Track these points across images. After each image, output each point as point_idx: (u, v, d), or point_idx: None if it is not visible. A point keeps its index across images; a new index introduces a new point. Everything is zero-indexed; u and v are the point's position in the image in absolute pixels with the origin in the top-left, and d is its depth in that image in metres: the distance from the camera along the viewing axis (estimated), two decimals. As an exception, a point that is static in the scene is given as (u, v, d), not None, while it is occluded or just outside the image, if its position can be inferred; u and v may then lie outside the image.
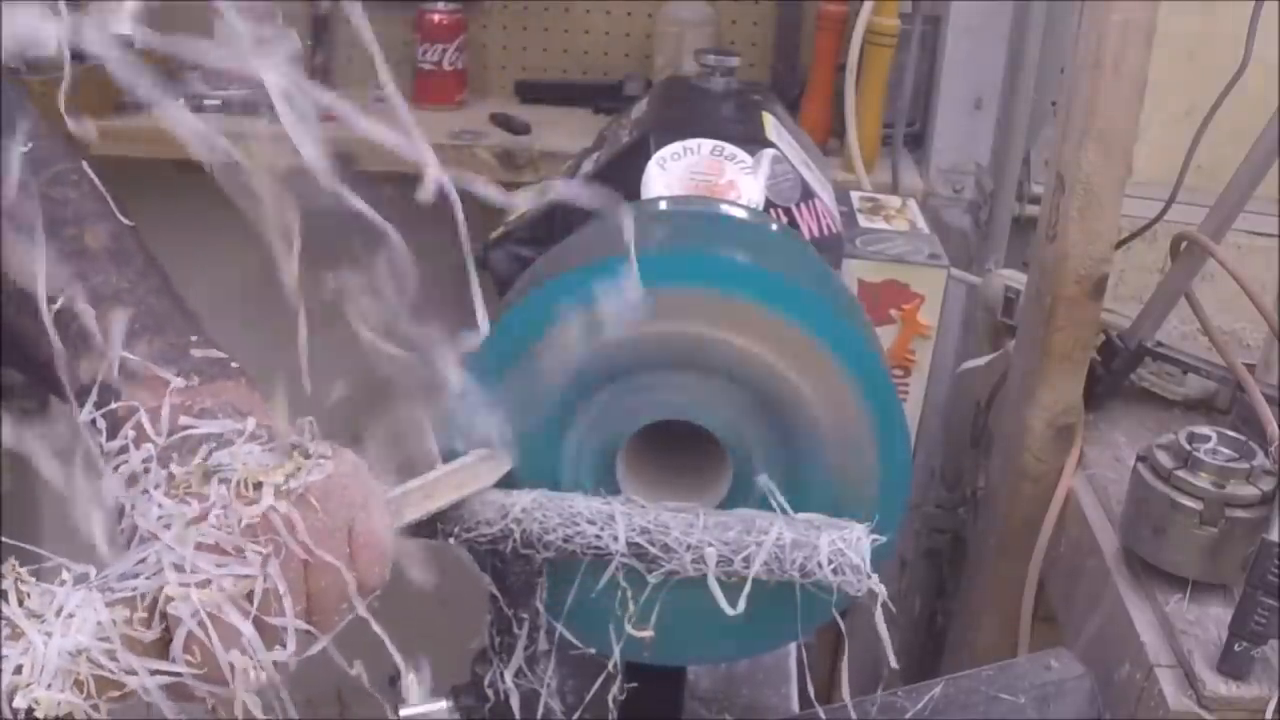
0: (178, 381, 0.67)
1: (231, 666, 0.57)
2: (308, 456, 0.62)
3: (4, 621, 0.54)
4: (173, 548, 0.57)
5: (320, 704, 1.81)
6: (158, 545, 0.58)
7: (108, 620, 0.55)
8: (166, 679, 0.56)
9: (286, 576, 0.59)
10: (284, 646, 0.59)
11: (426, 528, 0.70)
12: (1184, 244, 1.04)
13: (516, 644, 0.75)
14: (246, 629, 0.57)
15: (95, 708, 0.54)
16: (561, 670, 0.78)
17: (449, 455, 0.73)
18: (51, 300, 0.69)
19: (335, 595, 0.61)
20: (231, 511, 0.59)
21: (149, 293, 0.73)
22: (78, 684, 0.53)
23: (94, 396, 0.66)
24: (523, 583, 0.74)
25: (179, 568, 0.57)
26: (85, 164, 0.77)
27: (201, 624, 0.56)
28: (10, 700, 0.52)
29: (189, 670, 0.56)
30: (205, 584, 0.57)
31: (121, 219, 0.75)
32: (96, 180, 0.76)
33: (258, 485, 0.60)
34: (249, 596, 0.58)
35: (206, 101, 1.72)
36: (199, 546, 0.57)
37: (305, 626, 0.60)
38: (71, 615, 0.54)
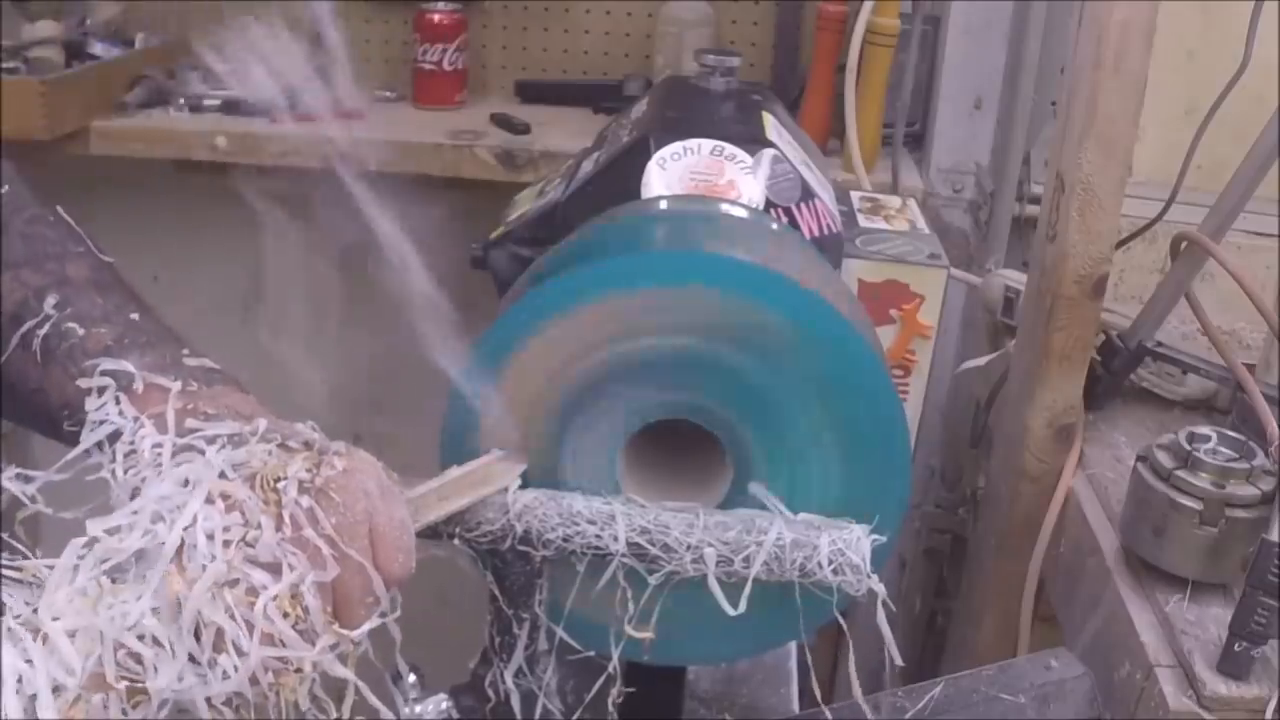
0: (177, 386, 0.67)
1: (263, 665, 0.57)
2: (322, 454, 0.62)
3: (23, 623, 0.53)
4: (197, 548, 0.57)
5: (321, 703, 1.80)
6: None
7: (134, 622, 0.55)
8: (195, 680, 0.56)
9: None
10: (313, 644, 0.59)
11: (430, 529, 0.70)
12: (1184, 244, 1.04)
13: (516, 644, 0.75)
14: (276, 627, 0.57)
15: (124, 711, 0.54)
16: (561, 671, 0.78)
17: (451, 457, 0.73)
18: (38, 326, 0.69)
19: (359, 589, 0.61)
20: (254, 508, 0.59)
21: (135, 314, 0.74)
22: (104, 687, 0.53)
23: (95, 406, 0.66)
24: (523, 583, 0.74)
25: (205, 566, 0.57)
26: (59, 208, 0.78)
27: (231, 622, 0.56)
28: (38, 705, 0.51)
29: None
30: (234, 583, 0.57)
31: (100, 255, 0.76)
32: (72, 222, 0.77)
33: (278, 480, 0.60)
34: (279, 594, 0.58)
35: (206, 101, 1.72)
36: (225, 545, 0.57)
37: (331, 624, 0.60)
38: (95, 617, 0.54)
